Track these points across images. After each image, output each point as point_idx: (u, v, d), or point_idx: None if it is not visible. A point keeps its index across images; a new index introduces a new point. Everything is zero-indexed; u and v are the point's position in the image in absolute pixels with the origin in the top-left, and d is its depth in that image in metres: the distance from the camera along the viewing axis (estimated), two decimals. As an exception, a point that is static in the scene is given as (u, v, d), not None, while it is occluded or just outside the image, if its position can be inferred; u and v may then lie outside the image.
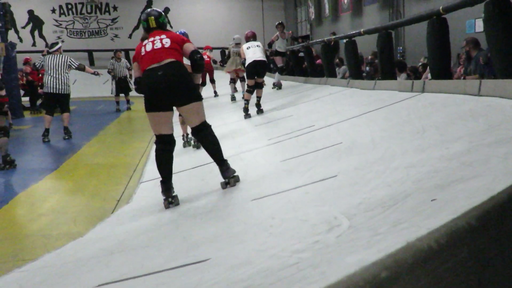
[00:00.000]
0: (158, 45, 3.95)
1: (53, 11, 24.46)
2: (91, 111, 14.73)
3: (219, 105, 11.35)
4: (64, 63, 9.14)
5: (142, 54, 3.99)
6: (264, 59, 8.16)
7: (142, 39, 4.11)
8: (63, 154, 7.62)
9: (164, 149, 4.00)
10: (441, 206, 1.67)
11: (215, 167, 4.24)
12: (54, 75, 9.02)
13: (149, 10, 4.28)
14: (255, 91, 8.11)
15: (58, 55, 9.22)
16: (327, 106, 6.97)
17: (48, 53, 9.36)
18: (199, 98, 4.06)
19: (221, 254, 2.27)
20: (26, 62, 13.78)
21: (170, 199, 3.98)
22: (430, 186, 2.17)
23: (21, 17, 23.66)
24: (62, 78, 9.06)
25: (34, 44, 24.10)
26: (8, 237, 3.94)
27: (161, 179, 4.00)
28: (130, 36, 24.73)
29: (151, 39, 4.03)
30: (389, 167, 2.97)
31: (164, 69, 3.83)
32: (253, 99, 8.16)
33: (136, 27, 24.84)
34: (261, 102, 8.23)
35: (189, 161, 5.70)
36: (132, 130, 10.11)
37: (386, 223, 1.72)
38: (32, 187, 5.64)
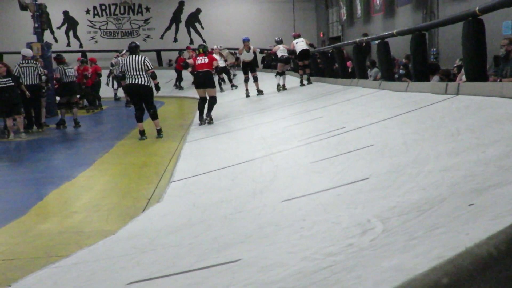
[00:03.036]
0: (203, 61, 9.37)
1: (87, 12, 24.91)
2: (124, 111, 14.94)
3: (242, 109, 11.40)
4: None
5: (197, 63, 9.42)
6: (307, 48, 12.48)
7: (196, 55, 9.89)
8: (96, 152, 7.74)
9: (201, 102, 9.61)
10: (480, 211, 1.63)
11: (246, 167, 4.51)
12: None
13: (201, 44, 10.07)
14: (305, 69, 12.73)
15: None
16: (358, 108, 6.90)
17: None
18: (214, 86, 9.82)
19: (252, 255, 2.26)
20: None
21: (202, 122, 9.53)
22: (467, 190, 2.12)
23: (56, 18, 24.17)
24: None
25: (68, 44, 24.59)
26: (43, 233, 4.02)
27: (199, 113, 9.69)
28: (162, 37, 25.01)
29: (201, 58, 9.41)
30: (422, 170, 2.92)
31: (203, 73, 9.37)
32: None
33: (168, 28, 25.11)
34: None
35: (217, 162, 5.72)
36: (164, 130, 10.20)
37: (422, 227, 1.68)
38: (65, 184, 5.75)
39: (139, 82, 8.51)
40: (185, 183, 5.07)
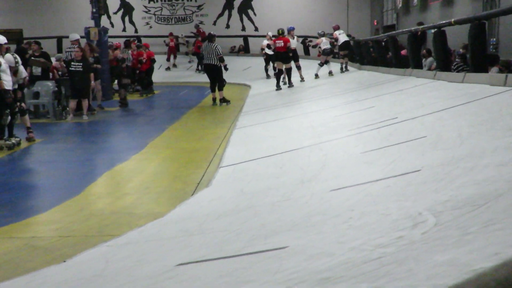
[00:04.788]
0: (280, 45, 12.86)
1: (143, -3, 25.30)
2: (175, 96, 15.18)
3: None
4: None
5: (276, 46, 13.04)
6: (348, 39, 14.89)
7: (275, 37, 13.34)
8: (148, 136, 7.91)
9: (279, 73, 13.15)
10: (539, 208, 1.56)
11: (294, 155, 4.59)
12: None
13: (280, 29, 13.25)
14: (345, 58, 14.62)
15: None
16: (412, 98, 6.74)
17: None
18: (290, 61, 13.01)
19: (299, 243, 2.25)
20: (117, 47, 14.27)
21: (278, 88, 12.84)
22: (525, 186, 2.03)
23: (113, 3, 24.68)
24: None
25: (124, 30, 25.10)
26: (96, 213, 4.16)
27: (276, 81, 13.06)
28: (214, 23, 25.11)
29: (279, 41, 12.92)
30: (478, 164, 2.82)
31: (281, 53, 12.93)
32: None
33: (221, 14, 25.21)
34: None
35: (265, 149, 5.73)
36: (214, 116, 10.31)
37: (476, 223, 1.63)
38: (118, 166, 5.91)
39: (212, 63, 11.91)
40: (234, 169, 5.11)
